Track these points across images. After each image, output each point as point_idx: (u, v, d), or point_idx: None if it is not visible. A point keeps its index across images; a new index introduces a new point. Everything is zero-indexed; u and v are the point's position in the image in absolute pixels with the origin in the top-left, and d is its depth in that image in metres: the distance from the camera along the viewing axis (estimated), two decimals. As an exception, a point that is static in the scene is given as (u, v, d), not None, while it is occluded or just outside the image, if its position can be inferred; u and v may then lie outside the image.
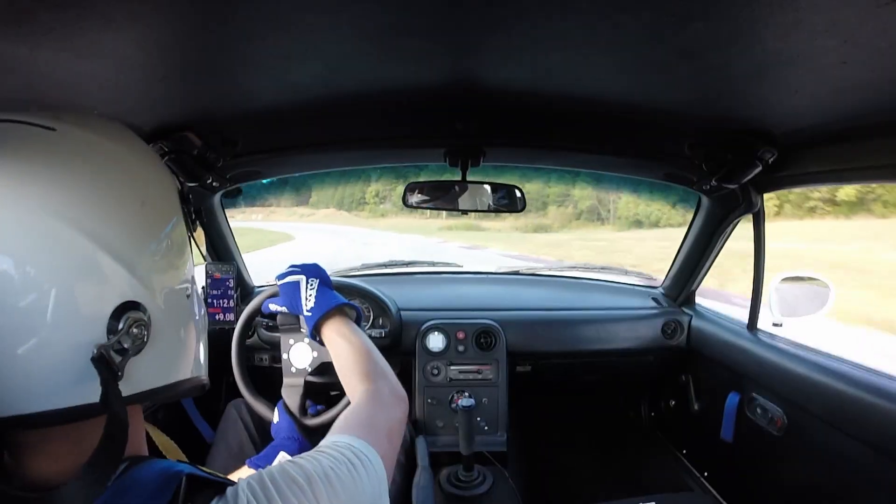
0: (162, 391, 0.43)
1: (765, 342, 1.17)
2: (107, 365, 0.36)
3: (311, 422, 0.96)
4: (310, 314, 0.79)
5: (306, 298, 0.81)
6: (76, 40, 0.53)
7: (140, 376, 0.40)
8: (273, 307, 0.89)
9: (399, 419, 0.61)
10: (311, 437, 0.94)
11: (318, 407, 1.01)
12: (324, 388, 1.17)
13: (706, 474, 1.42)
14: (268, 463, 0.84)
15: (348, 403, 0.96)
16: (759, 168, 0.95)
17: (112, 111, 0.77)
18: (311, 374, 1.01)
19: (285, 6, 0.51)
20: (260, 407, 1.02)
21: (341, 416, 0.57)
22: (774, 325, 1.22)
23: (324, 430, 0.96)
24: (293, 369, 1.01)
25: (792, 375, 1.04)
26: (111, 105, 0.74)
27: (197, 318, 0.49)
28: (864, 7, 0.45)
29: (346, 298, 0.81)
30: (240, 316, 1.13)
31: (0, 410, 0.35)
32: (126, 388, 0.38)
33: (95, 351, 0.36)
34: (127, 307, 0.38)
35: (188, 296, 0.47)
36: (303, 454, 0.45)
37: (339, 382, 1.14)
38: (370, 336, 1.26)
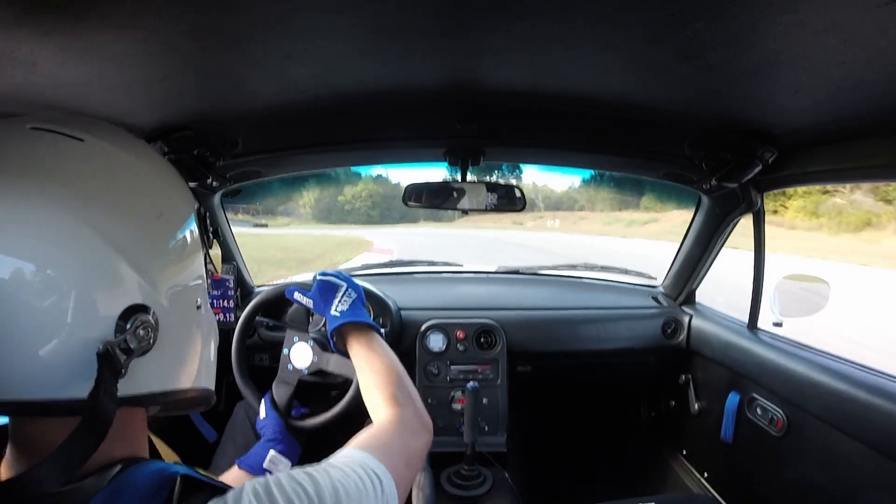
0: (160, 396, 0.43)
1: (765, 342, 1.17)
2: (110, 361, 0.37)
3: (299, 423, 0.97)
4: (338, 315, 0.80)
5: (339, 302, 0.82)
6: (76, 41, 0.53)
7: (140, 378, 0.41)
8: (298, 296, 0.90)
9: (421, 448, 0.61)
10: (297, 436, 0.95)
11: (303, 410, 1.02)
12: (314, 392, 1.18)
13: (706, 474, 1.42)
14: (258, 461, 0.85)
15: (338, 414, 1.00)
16: (759, 167, 0.95)
17: (112, 111, 0.77)
18: (305, 375, 1.02)
19: (285, 6, 0.51)
20: (306, 425, 1.02)
21: (362, 433, 0.56)
22: (775, 324, 1.23)
23: (308, 433, 0.97)
24: (290, 367, 1.02)
25: (792, 375, 1.04)
26: (111, 105, 0.75)
27: (204, 329, 0.50)
28: (864, 7, 0.45)
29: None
30: (240, 316, 1.13)
31: (6, 394, 0.36)
32: (124, 388, 0.38)
33: (101, 347, 0.37)
34: (136, 309, 0.40)
35: (198, 307, 0.48)
36: (313, 466, 0.45)
37: (329, 389, 1.17)
38: None
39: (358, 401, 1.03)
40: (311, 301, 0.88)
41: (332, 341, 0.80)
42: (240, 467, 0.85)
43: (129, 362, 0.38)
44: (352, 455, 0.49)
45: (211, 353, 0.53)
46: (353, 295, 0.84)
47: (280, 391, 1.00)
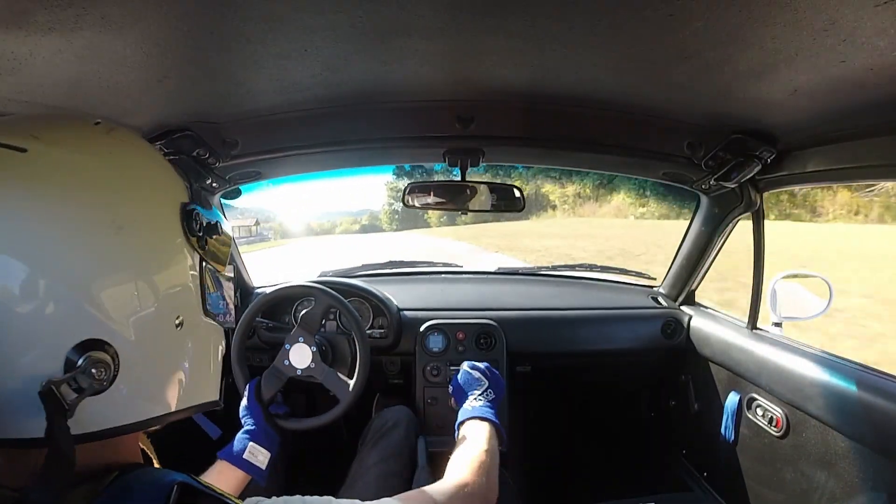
0: (137, 426, 0.40)
1: (765, 342, 1.17)
2: (55, 401, 0.34)
3: (277, 420, 0.99)
4: (469, 410, 0.85)
5: (477, 398, 0.88)
6: (76, 41, 0.53)
7: (107, 413, 0.38)
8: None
9: None
10: (275, 428, 0.97)
11: (284, 408, 1.03)
12: (299, 394, 1.19)
13: (706, 474, 1.42)
14: (239, 451, 0.87)
15: (316, 426, 1.04)
16: (758, 167, 0.95)
17: (111, 111, 0.77)
18: (298, 375, 1.04)
19: (284, 6, 0.51)
20: (287, 425, 1.03)
21: (416, 490, 0.59)
22: (775, 324, 1.23)
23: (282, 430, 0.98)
24: (286, 362, 1.04)
25: (792, 375, 1.04)
26: (110, 105, 0.74)
27: (193, 346, 0.46)
28: (863, 6, 0.45)
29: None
30: (241, 318, 1.14)
31: None
32: (89, 423, 0.37)
33: (43, 385, 0.34)
34: (90, 345, 0.36)
35: (178, 325, 0.43)
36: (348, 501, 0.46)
37: (314, 396, 1.19)
38: (370, 336, 1.27)
39: (336, 419, 1.05)
40: (452, 388, 0.96)
41: (456, 430, 0.84)
42: (220, 458, 0.86)
43: (80, 401, 0.35)
44: (389, 500, 0.50)
45: (209, 367, 0.49)
46: (492, 396, 0.90)
47: (268, 383, 1.02)
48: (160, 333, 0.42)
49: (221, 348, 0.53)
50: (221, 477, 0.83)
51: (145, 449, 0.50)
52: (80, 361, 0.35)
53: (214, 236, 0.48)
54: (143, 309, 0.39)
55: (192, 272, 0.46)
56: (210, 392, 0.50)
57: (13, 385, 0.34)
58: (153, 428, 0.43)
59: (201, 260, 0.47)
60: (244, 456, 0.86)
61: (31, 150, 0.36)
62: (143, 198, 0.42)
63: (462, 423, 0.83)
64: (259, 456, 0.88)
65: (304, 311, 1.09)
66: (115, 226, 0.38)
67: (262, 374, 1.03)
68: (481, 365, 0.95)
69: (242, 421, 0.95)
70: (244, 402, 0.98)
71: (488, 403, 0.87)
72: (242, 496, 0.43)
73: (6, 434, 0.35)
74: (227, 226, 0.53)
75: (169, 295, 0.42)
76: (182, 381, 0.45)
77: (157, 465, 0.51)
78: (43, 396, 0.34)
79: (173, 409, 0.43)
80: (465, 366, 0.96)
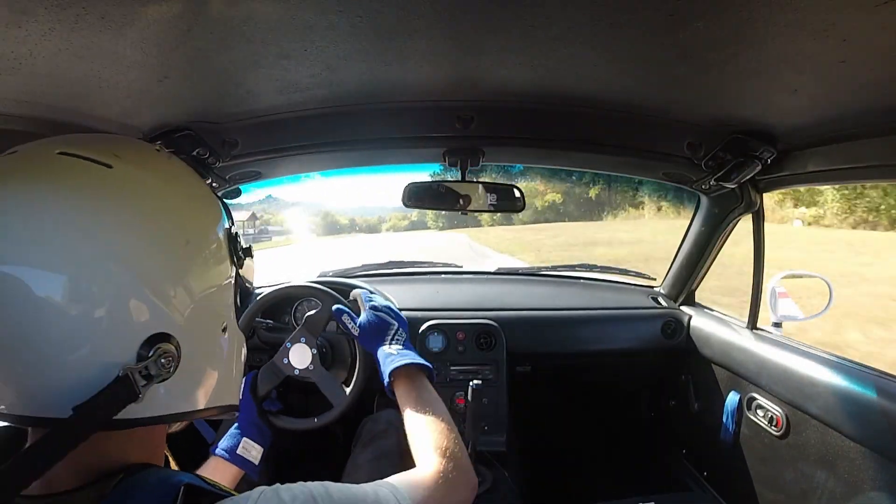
0: (173, 417, 0.44)
1: (765, 341, 1.17)
2: (129, 386, 0.38)
3: (270, 417, 0.99)
4: (394, 354, 0.78)
5: (392, 341, 0.82)
6: (76, 41, 0.53)
7: (154, 402, 0.41)
8: (347, 320, 0.89)
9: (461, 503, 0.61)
10: (267, 422, 0.97)
11: (277, 405, 1.03)
12: (294, 393, 1.20)
13: (706, 474, 1.42)
14: (233, 446, 0.87)
15: (308, 429, 1.04)
16: (759, 167, 0.95)
17: (111, 112, 0.77)
18: (296, 375, 1.04)
19: (285, 6, 0.51)
20: (278, 422, 1.03)
21: (405, 472, 0.57)
22: (774, 324, 1.23)
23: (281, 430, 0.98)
24: (285, 360, 1.04)
25: (792, 375, 1.04)
26: (110, 105, 0.74)
27: (228, 350, 0.50)
28: (863, 7, 0.45)
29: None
30: (241, 318, 1.14)
31: (32, 410, 0.38)
32: (138, 410, 0.39)
33: (122, 371, 0.38)
34: (159, 338, 0.40)
35: (224, 329, 0.49)
36: (336, 484, 0.47)
37: (308, 398, 1.19)
38: None
39: (327, 425, 1.06)
40: (357, 330, 0.87)
41: (388, 382, 0.78)
42: (215, 454, 0.86)
43: (148, 388, 0.39)
44: (383, 482, 0.51)
45: (234, 371, 0.53)
46: (404, 335, 0.84)
47: (265, 379, 1.02)
48: (211, 335, 0.47)
49: (244, 353, 0.56)
50: (217, 473, 0.83)
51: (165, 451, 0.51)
52: (150, 352, 0.39)
53: (247, 257, 0.54)
54: (201, 312, 0.44)
55: (234, 286, 0.51)
56: (233, 395, 0.53)
57: (86, 371, 0.37)
58: (176, 425, 0.48)
59: (237, 273, 0.53)
60: (238, 451, 0.87)
61: (116, 167, 0.41)
62: (203, 217, 0.48)
63: (393, 373, 0.77)
64: (252, 451, 0.88)
65: (309, 313, 1.09)
66: (184, 239, 0.44)
67: (259, 369, 1.03)
68: (381, 303, 0.88)
69: (238, 418, 0.95)
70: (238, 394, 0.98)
71: (406, 344, 0.82)
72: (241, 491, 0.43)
73: (51, 413, 0.37)
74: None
75: (220, 302, 0.48)
76: (215, 381, 0.48)
77: (173, 466, 0.53)
78: (119, 381, 0.37)
79: (200, 408, 0.47)
80: (367, 306, 0.88)
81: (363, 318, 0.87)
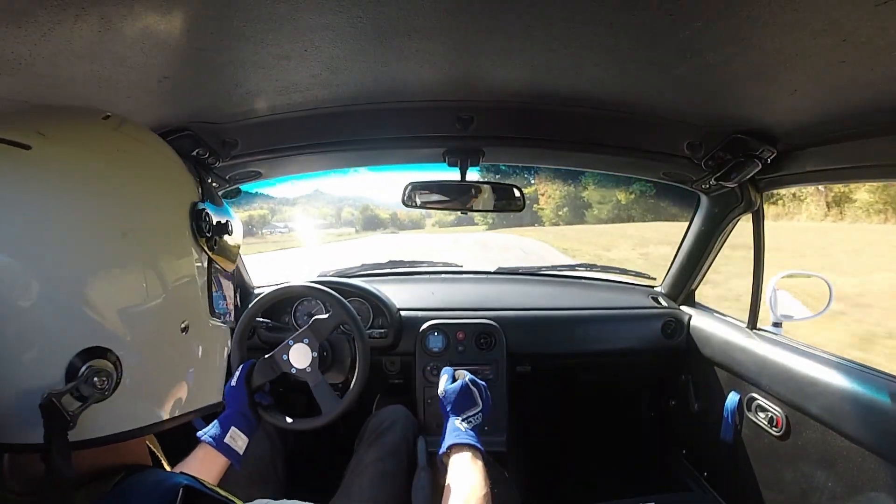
0: (137, 432, 0.39)
1: (765, 341, 1.17)
2: (56, 413, 0.33)
3: (259, 410, 1.00)
4: (462, 432, 0.83)
5: (468, 419, 0.85)
6: (75, 41, 0.53)
7: (107, 419, 0.37)
8: (445, 379, 0.94)
9: None
10: (255, 413, 0.97)
11: (268, 399, 1.04)
12: (287, 390, 1.20)
13: (706, 474, 1.42)
14: (220, 435, 0.87)
15: (296, 428, 1.04)
16: (758, 167, 0.95)
17: (111, 111, 0.77)
18: (292, 373, 1.05)
19: (284, 7, 0.51)
20: (267, 416, 1.03)
21: None
22: (774, 324, 1.23)
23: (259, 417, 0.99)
24: (285, 357, 1.04)
25: (792, 375, 1.04)
26: (110, 105, 0.74)
27: (196, 350, 0.44)
28: (863, 6, 0.45)
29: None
30: (241, 318, 1.14)
31: None
32: (89, 430, 0.36)
33: (44, 398, 0.33)
34: (91, 353, 0.35)
35: (183, 329, 0.42)
36: None
37: (300, 398, 1.19)
38: (370, 336, 1.27)
39: (314, 429, 1.07)
40: (443, 392, 0.91)
41: (441, 452, 0.82)
42: (204, 441, 0.86)
43: (83, 410, 0.34)
44: None
45: (210, 370, 0.48)
46: (479, 421, 0.87)
47: (261, 371, 1.03)
48: (165, 339, 0.41)
49: (227, 349, 0.52)
50: (206, 464, 0.83)
51: (153, 448, 0.49)
52: (81, 370, 0.34)
53: (224, 236, 0.47)
54: (146, 315, 0.38)
55: (199, 274, 0.44)
56: (213, 394, 0.49)
57: (15, 392, 0.34)
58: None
59: (209, 260, 0.46)
60: (225, 440, 0.86)
61: (36, 147, 0.34)
62: (149, 200, 0.40)
63: (452, 447, 0.81)
64: (239, 441, 0.88)
65: (317, 316, 1.09)
66: (119, 231, 0.37)
67: (256, 360, 1.04)
68: (482, 383, 0.92)
69: (226, 402, 0.94)
70: (232, 381, 0.97)
71: (474, 428, 0.85)
72: (242, 493, 0.43)
73: (8, 440, 0.35)
74: (238, 223, 0.51)
75: (174, 300, 0.41)
76: (187, 385, 0.44)
77: (165, 465, 0.51)
78: (43, 408, 0.33)
79: (176, 414, 0.43)
80: (467, 377, 0.92)
81: (457, 384, 0.90)
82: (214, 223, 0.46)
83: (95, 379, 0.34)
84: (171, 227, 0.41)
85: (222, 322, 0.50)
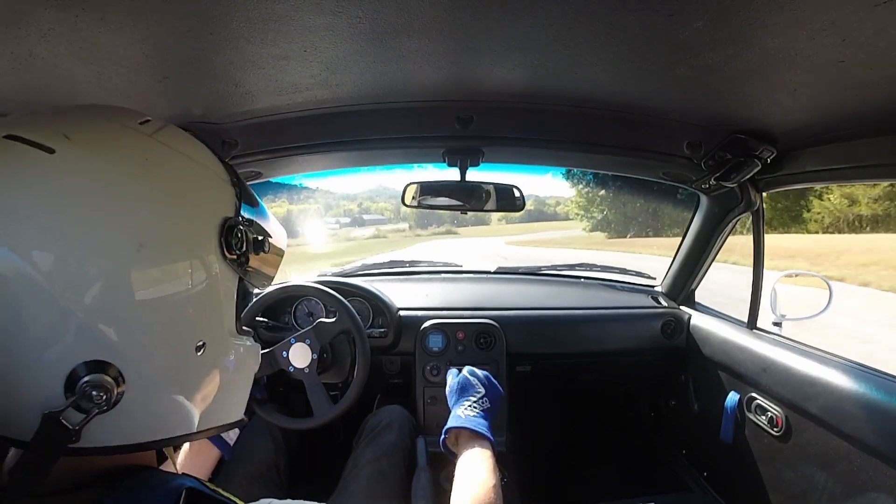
0: (147, 446, 0.39)
1: (765, 341, 1.17)
2: (57, 427, 0.33)
3: (253, 403, 1.01)
4: (462, 417, 0.80)
5: (471, 405, 0.83)
6: (75, 41, 0.53)
7: (103, 434, 0.36)
8: (451, 375, 0.94)
9: None
10: (249, 408, 0.97)
11: (262, 393, 1.05)
12: (282, 387, 1.20)
13: (706, 474, 1.42)
14: None
15: (288, 426, 1.04)
16: (758, 167, 0.95)
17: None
18: (290, 372, 1.05)
19: (284, 7, 0.51)
20: (259, 410, 1.04)
21: None
22: (774, 324, 1.23)
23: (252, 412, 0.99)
24: (284, 354, 1.04)
25: (792, 375, 1.04)
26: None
27: (214, 371, 0.42)
28: (862, 6, 0.45)
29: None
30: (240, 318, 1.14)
31: None
32: (87, 440, 0.35)
33: (44, 414, 0.33)
34: (93, 367, 0.34)
35: (199, 349, 0.40)
36: None
37: (295, 397, 1.19)
38: (369, 335, 1.27)
39: (302, 431, 1.08)
40: (449, 385, 0.92)
41: (443, 437, 0.81)
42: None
43: (87, 423, 0.34)
44: None
45: (235, 390, 0.46)
46: (486, 404, 0.85)
47: (261, 364, 1.03)
48: (175, 358, 0.39)
49: (255, 367, 0.50)
50: (201, 456, 0.84)
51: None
52: (79, 383, 0.33)
53: (260, 254, 0.44)
54: (154, 333, 0.37)
55: (224, 293, 0.42)
56: (233, 413, 0.47)
57: (14, 391, 0.33)
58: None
59: (240, 279, 0.44)
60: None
61: (59, 151, 0.33)
62: (173, 213, 0.38)
63: (452, 430, 0.80)
64: (231, 434, 0.88)
65: (322, 319, 1.09)
66: (136, 243, 0.35)
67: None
68: (481, 372, 0.92)
69: None
70: None
71: (482, 413, 0.83)
72: (244, 493, 0.43)
73: (2, 432, 0.35)
74: (280, 235, 0.48)
75: (187, 319, 0.39)
76: (204, 403, 0.42)
77: (174, 465, 0.51)
78: (43, 423, 0.32)
79: (192, 431, 0.41)
80: (465, 370, 0.94)
81: (456, 379, 0.91)
82: (250, 239, 0.43)
83: (94, 393, 0.33)
84: (194, 243, 0.39)
85: (249, 341, 0.47)
